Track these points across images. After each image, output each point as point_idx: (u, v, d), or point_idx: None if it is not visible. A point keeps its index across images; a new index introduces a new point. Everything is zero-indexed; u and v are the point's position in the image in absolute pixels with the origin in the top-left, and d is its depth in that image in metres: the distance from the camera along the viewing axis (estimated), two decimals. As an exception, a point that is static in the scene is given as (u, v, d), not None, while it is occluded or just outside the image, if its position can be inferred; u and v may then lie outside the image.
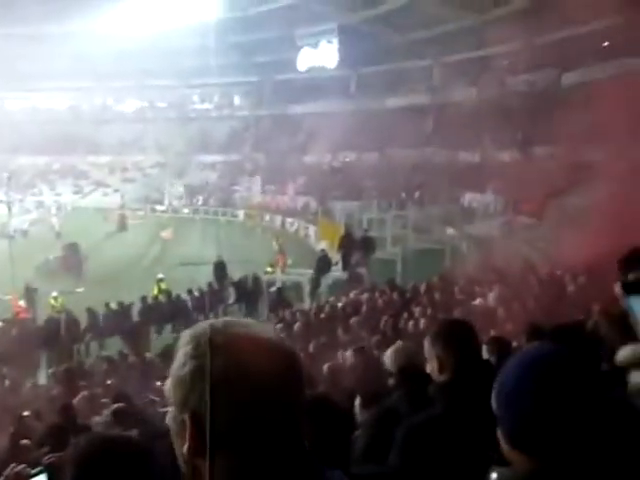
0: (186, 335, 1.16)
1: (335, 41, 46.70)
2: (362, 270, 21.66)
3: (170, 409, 1.17)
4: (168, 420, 1.17)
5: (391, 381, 3.73)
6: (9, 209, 37.40)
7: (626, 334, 3.19)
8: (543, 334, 4.51)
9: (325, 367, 7.44)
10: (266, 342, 1.14)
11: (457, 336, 2.83)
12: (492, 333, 8.18)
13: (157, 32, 46.80)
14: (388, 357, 3.77)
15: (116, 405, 6.20)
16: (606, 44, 27.33)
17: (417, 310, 11.80)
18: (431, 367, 2.84)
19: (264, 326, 1.19)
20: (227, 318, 1.20)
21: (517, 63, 36.85)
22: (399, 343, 3.94)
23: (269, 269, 23.41)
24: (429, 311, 11.42)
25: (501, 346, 4.81)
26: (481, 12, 35.12)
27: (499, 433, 1.44)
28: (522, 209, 26.03)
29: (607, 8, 20.22)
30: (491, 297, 12.20)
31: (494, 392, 1.44)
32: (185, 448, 1.11)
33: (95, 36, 45.13)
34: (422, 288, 15.10)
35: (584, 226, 15.44)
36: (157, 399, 8.10)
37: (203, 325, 1.17)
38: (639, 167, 15.07)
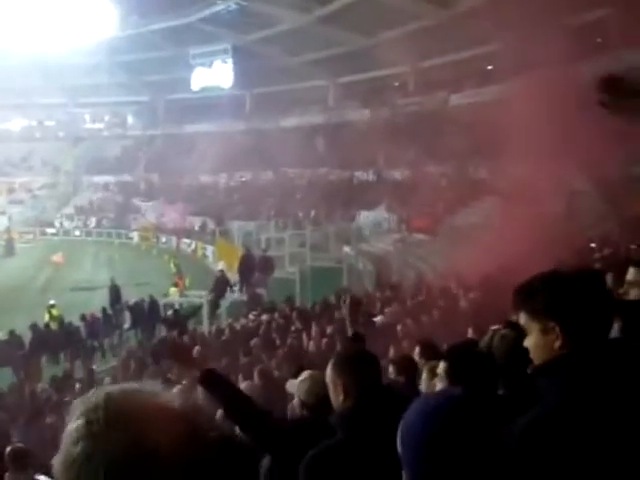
0: (78, 405, 1.02)
1: (229, 61, 46.68)
2: (261, 290, 21.61)
3: None
4: None
5: (299, 409, 3.62)
6: None
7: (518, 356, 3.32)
8: (437, 353, 4.62)
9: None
10: (172, 414, 1.01)
11: (358, 363, 2.84)
12: (391, 350, 8.37)
13: (46, 49, 45.24)
14: (297, 386, 3.64)
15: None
16: (490, 67, 28.61)
17: (316, 330, 11.86)
18: (334, 395, 2.83)
19: (168, 393, 1.06)
20: (125, 385, 1.06)
21: (407, 84, 38.08)
22: (308, 372, 3.71)
23: (172, 290, 22.88)
24: (329, 330, 11.50)
25: (408, 366, 4.86)
26: (371, 35, 35.98)
27: (404, 475, 1.47)
28: (415, 226, 26.75)
29: (491, 33, 21.26)
30: (387, 314, 12.44)
31: (399, 435, 1.48)
32: None
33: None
34: (320, 307, 15.23)
35: (476, 242, 16.00)
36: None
37: (97, 395, 1.02)
38: (522, 184, 15.81)
